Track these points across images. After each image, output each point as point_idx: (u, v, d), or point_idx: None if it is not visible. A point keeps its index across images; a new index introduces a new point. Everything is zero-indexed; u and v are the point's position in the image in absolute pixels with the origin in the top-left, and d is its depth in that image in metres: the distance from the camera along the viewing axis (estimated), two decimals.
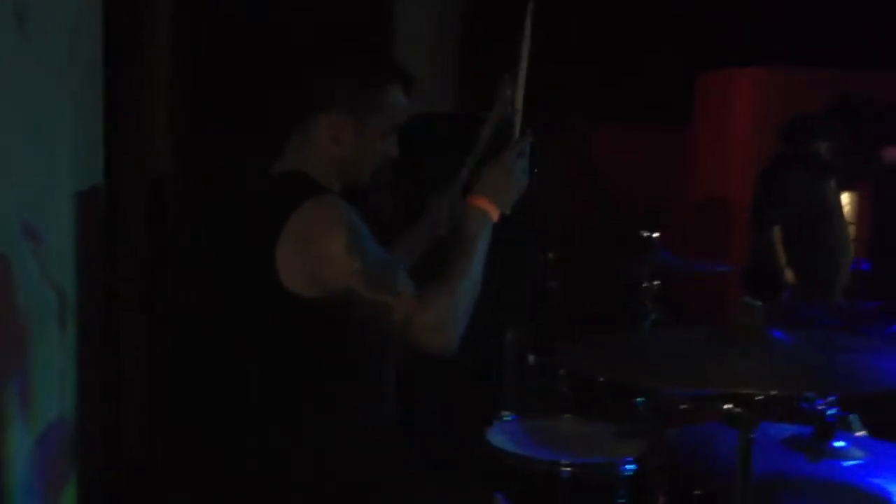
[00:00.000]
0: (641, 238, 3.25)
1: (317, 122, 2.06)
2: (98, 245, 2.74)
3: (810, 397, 2.22)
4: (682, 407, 2.78)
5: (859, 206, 5.84)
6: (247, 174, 2.15)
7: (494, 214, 2.10)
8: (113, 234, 2.89)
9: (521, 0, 2.25)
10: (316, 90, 2.08)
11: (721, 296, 5.39)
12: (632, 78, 5.89)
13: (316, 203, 1.95)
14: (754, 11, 5.88)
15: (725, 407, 1.90)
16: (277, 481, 1.95)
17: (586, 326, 3.82)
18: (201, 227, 2.33)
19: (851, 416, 2.37)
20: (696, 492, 2.14)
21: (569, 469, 2.37)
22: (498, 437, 2.53)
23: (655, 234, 3.24)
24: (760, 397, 1.76)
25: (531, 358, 3.37)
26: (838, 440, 2.15)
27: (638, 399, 2.89)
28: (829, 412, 2.15)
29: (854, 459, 2.11)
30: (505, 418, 2.71)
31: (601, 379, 2.62)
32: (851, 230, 5.17)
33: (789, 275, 4.70)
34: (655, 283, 3.21)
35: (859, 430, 2.36)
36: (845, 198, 5.23)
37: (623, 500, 2.38)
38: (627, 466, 2.38)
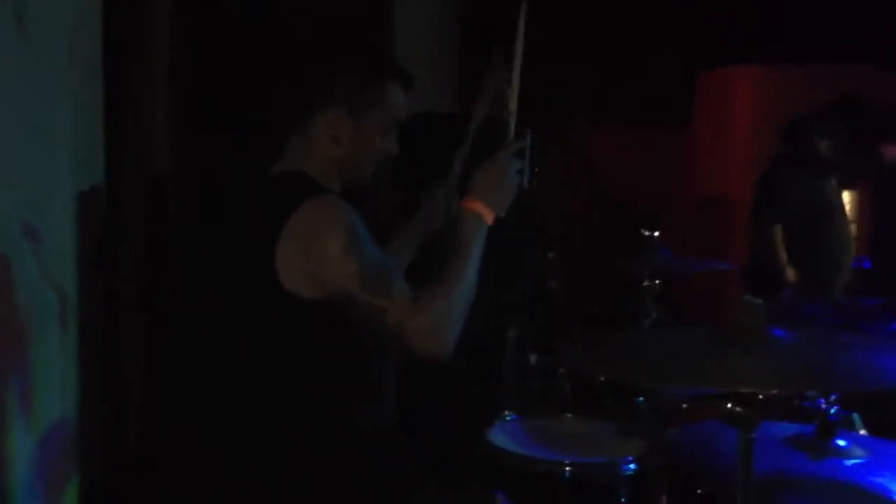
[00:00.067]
0: (642, 237, 3.25)
1: (316, 122, 2.07)
2: (98, 245, 2.74)
3: (811, 396, 2.21)
4: (682, 406, 2.77)
5: (860, 204, 5.84)
6: (246, 173, 2.15)
7: (489, 217, 2.10)
8: (113, 234, 2.89)
9: (519, 0, 2.25)
10: (315, 88, 2.08)
11: (721, 295, 5.39)
12: (632, 78, 5.89)
13: (316, 203, 1.95)
14: (754, 10, 5.87)
15: (726, 406, 1.89)
16: (277, 481, 1.95)
17: (586, 326, 3.82)
18: (201, 227, 2.33)
19: (853, 415, 2.36)
20: (698, 491, 2.13)
21: (569, 469, 2.36)
22: (498, 437, 2.52)
23: (656, 234, 3.24)
24: (761, 396, 1.75)
25: (532, 358, 3.36)
26: (840, 439, 2.14)
27: (639, 398, 2.89)
28: (830, 411, 2.15)
29: (856, 458, 2.11)
30: (505, 418, 2.71)
31: (602, 378, 2.61)
32: (853, 228, 5.16)
33: (790, 273, 4.70)
34: (656, 282, 3.21)
35: (861, 429, 2.35)
36: (846, 196, 5.22)
37: (624, 500, 2.38)
38: (628, 466, 2.38)
